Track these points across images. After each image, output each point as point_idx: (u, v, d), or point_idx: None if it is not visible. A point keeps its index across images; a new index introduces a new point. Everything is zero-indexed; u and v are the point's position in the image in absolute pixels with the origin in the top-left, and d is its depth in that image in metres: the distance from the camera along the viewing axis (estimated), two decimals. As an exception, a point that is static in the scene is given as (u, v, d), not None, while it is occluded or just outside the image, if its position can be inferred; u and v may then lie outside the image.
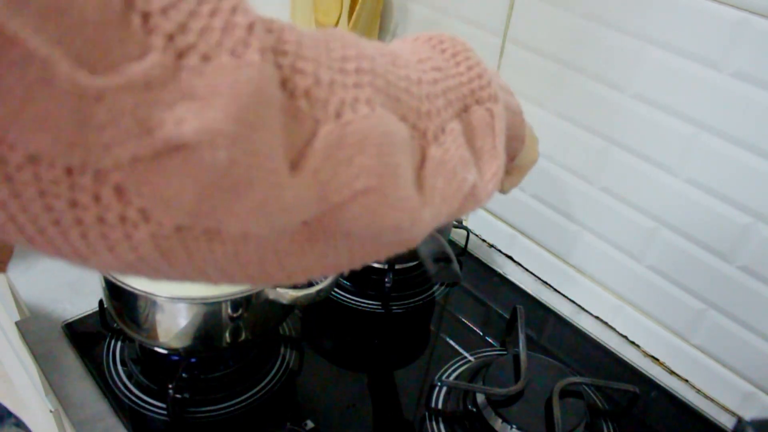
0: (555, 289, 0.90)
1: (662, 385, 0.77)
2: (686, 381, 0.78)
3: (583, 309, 0.87)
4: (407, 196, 0.30)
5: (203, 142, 0.21)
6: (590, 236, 0.83)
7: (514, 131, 0.43)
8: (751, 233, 0.67)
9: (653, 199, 0.74)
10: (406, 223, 0.31)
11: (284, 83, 0.25)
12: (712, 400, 0.76)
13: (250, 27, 0.23)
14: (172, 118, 0.20)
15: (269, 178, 0.24)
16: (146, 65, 0.20)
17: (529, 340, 0.74)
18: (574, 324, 0.84)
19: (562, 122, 0.80)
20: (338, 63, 0.27)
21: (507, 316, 0.80)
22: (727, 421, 0.74)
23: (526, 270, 0.92)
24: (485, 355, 0.77)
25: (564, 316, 0.85)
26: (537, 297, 0.88)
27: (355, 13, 0.90)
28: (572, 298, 0.88)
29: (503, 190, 0.51)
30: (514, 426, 0.64)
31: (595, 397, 0.73)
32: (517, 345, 0.72)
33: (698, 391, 0.77)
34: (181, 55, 0.21)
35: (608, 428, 0.69)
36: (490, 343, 0.80)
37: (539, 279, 0.91)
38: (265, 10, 0.25)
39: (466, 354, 0.76)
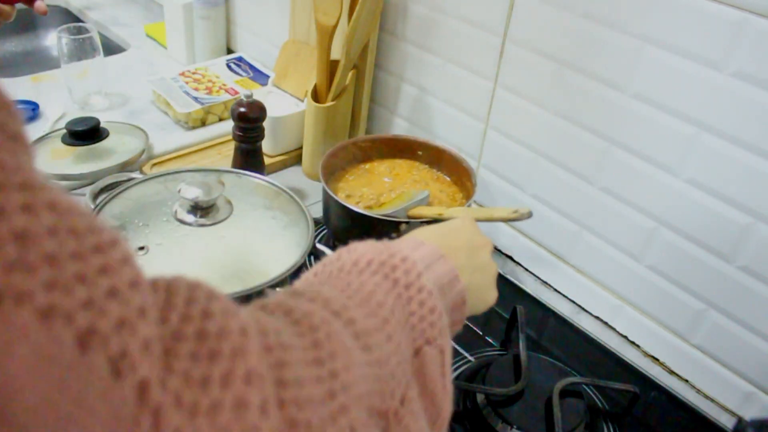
0: (555, 289, 0.90)
1: (662, 385, 0.77)
2: (686, 381, 0.78)
3: (583, 309, 0.87)
4: None
5: None
6: (590, 236, 0.83)
7: (456, 317, 0.43)
8: (751, 233, 0.67)
9: (653, 199, 0.74)
10: None
11: None
12: (712, 400, 0.76)
13: (264, 406, 0.21)
14: None
15: None
16: None
17: (529, 340, 0.74)
18: (574, 324, 0.84)
19: (562, 122, 0.80)
20: (328, 383, 0.26)
21: (507, 316, 0.80)
22: (727, 421, 0.74)
23: (526, 270, 0.92)
24: (485, 355, 0.77)
25: (564, 316, 0.85)
26: (537, 297, 0.88)
27: (355, 13, 0.90)
28: (572, 298, 0.88)
29: None
30: (514, 426, 0.64)
31: (595, 397, 0.73)
32: (517, 345, 0.72)
33: (698, 391, 0.77)
34: None
35: (608, 428, 0.69)
36: (490, 343, 0.80)
37: (539, 279, 0.91)
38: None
39: (466, 354, 0.76)
